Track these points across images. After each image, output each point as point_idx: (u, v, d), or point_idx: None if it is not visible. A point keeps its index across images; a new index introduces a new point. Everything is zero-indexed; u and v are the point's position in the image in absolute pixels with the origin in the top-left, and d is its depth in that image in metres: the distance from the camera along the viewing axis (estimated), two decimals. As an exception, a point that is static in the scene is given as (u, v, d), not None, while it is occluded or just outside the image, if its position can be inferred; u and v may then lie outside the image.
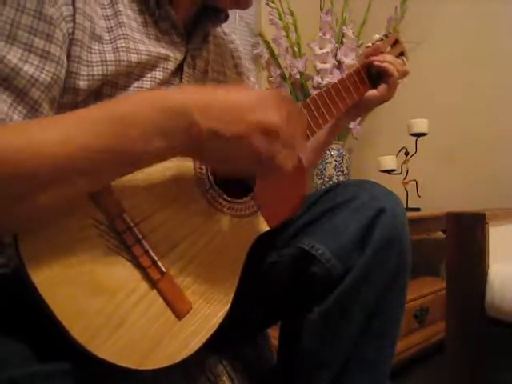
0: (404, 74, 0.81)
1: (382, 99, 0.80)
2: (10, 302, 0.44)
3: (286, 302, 0.66)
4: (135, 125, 0.42)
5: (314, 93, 0.69)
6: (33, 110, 0.46)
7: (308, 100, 0.67)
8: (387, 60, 0.78)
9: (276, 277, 0.64)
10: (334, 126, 0.83)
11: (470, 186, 1.73)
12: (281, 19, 1.77)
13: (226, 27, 0.75)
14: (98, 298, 0.43)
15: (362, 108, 0.81)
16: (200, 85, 0.48)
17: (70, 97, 0.50)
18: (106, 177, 0.44)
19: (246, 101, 0.45)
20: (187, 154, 0.47)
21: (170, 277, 0.49)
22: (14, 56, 0.45)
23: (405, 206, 1.62)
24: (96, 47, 0.52)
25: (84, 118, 0.42)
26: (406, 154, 1.65)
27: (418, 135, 1.61)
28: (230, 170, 0.49)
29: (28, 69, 0.45)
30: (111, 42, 0.53)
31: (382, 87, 0.78)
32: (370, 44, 0.83)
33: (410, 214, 1.38)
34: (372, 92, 0.79)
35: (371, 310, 0.59)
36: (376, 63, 0.77)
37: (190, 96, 0.44)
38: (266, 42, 1.82)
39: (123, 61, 0.53)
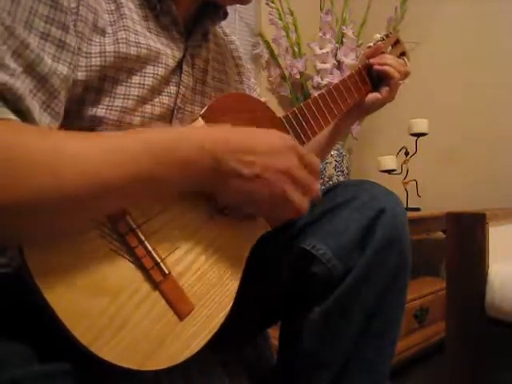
0: (405, 74, 0.80)
1: (384, 101, 0.80)
2: (11, 302, 0.44)
3: (286, 302, 0.66)
4: (165, 161, 0.45)
5: (314, 93, 0.69)
6: (51, 97, 0.47)
7: (309, 100, 0.67)
8: (388, 63, 0.78)
9: (276, 277, 0.64)
10: (336, 129, 0.83)
11: (470, 186, 1.73)
12: (281, 19, 1.77)
13: (226, 27, 0.75)
14: (100, 299, 0.43)
15: (363, 110, 0.81)
16: (226, 125, 0.52)
17: None
18: (126, 203, 0.47)
19: (267, 145, 0.50)
20: (207, 189, 0.51)
21: (173, 278, 0.49)
22: (32, 44, 0.45)
23: (405, 206, 1.61)
24: (97, 40, 0.52)
25: (118, 146, 0.44)
26: (406, 154, 1.65)
27: (418, 135, 1.61)
28: (248, 208, 0.54)
29: (47, 58, 0.46)
30: (113, 35, 0.53)
31: (384, 90, 0.78)
32: (371, 44, 0.83)
33: (410, 214, 1.38)
34: (374, 94, 0.79)
35: (371, 310, 0.60)
36: (376, 67, 0.77)
37: (219, 137, 0.49)
38: (266, 42, 1.82)
39: (122, 53, 0.53)
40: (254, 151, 0.49)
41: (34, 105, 0.45)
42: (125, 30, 0.54)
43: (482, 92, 1.71)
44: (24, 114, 0.43)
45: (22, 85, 0.43)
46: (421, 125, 1.59)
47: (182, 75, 0.61)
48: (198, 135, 0.48)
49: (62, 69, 0.47)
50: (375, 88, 0.79)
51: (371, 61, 0.78)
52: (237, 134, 0.50)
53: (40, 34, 0.46)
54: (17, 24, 0.44)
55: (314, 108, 0.67)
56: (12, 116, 0.42)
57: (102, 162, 0.41)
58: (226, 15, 0.67)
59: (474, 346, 0.99)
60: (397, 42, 0.85)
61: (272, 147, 0.50)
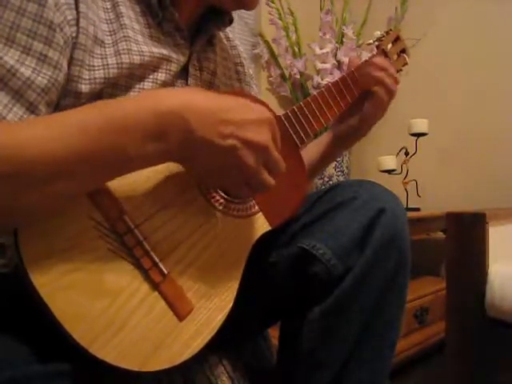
0: (393, 93, 0.74)
1: (374, 118, 0.76)
2: (10, 302, 0.44)
3: (286, 302, 0.66)
4: (129, 129, 0.42)
5: (314, 93, 0.69)
6: (28, 112, 0.46)
7: (309, 99, 0.67)
8: (377, 78, 0.72)
9: (276, 276, 0.64)
10: (329, 153, 0.79)
11: (470, 186, 1.73)
12: (281, 19, 1.77)
13: (227, 30, 0.75)
14: (99, 300, 0.43)
15: (355, 133, 0.78)
16: (200, 88, 0.48)
17: (71, 100, 0.50)
18: (97, 178, 0.44)
19: (244, 117, 0.46)
20: (178, 159, 0.47)
21: (172, 278, 0.49)
22: (11, 58, 0.45)
23: (405, 206, 1.61)
24: (98, 51, 0.52)
25: (77, 120, 0.41)
26: (406, 154, 1.65)
27: (418, 135, 1.61)
28: (217, 181, 0.50)
29: (24, 71, 0.46)
30: (113, 45, 0.53)
31: (368, 106, 0.74)
32: (371, 41, 0.82)
33: (410, 214, 1.38)
34: (358, 117, 0.75)
35: (371, 310, 0.60)
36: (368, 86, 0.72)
37: (187, 101, 0.44)
38: (266, 42, 1.82)
39: (125, 63, 0.53)
40: (231, 122, 0.45)
41: (9, 119, 0.44)
42: (126, 40, 0.54)
43: (481, 92, 1.71)
44: None
45: None
46: (421, 125, 1.59)
47: (189, 79, 0.62)
48: (168, 102, 0.43)
49: (40, 82, 0.47)
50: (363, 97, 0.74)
51: (368, 71, 0.73)
52: (212, 102, 0.46)
53: (21, 49, 0.46)
54: None
55: (313, 106, 0.67)
56: None
57: (53, 139, 0.39)
58: (231, 22, 0.67)
59: (473, 346, 0.99)
60: (397, 39, 0.84)
61: (250, 119, 0.47)
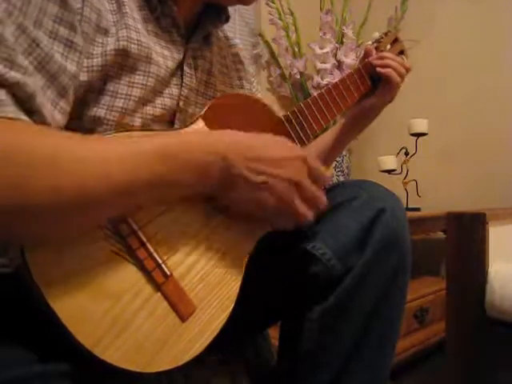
0: (404, 75, 0.80)
1: (384, 103, 0.81)
2: (10, 302, 0.44)
3: (286, 302, 0.66)
4: (183, 169, 0.46)
5: (314, 93, 0.69)
6: (59, 96, 0.47)
7: (309, 100, 0.67)
8: (390, 64, 0.78)
9: (276, 277, 0.64)
10: (340, 142, 0.84)
11: (470, 186, 1.73)
12: (281, 19, 1.77)
13: (226, 27, 0.75)
14: (102, 301, 0.43)
15: (364, 117, 0.83)
16: (239, 131, 0.52)
17: None
18: (136, 207, 0.47)
19: (277, 154, 0.51)
20: (215, 192, 0.51)
21: (175, 279, 0.49)
22: (43, 41, 0.45)
23: (405, 206, 1.62)
24: (100, 40, 0.52)
25: (130, 156, 0.43)
26: (406, 154, 1.66)
27: (418, 135, 1.61)
28: (253, 213, 0.54)
29: (57, 56, 0.46)
30: (116, 34, 0.53)
31: (383, 91, 0.79)
32: (369, 42, 0.83)
33: (410, 214, 1.38)
34: (371, 98, 0.80)
35: (371, 310, 0.60)
36: (378, 69, 0.78)
37: (231, 142, 0.50)
38: (266, 42, 1.82)
39: (122, 50, 0.53)
40: (265, 159, 0.50)
41: (45, 102, 0.45)
42: (126, 28, 0.54)
43: (482, 92, 1.71)
44: (36, 113, 0.43)
45: (34, 82, 0.43)
46: (421, 125, 1.59)
47: (184, 77, 0.61)
48: (212, 139, 0.49)
49: (70, 68, 0.47)
50: (375, 88, 0.79)
51: (373, 61, 0.78)
52: (249, 140, 0.51)
53: (49, 33, 0.46)
54: (27, 21, 0.44)
55: (313, 107, 0.67)
56: (23, 116, 0.42)
57: (108, 165, 0.41)
58: (227, 19, 0.67)
59: (474, 346, 0.99)
60: (396, 41, 0.84)
61: (282, 156, 0.51)
